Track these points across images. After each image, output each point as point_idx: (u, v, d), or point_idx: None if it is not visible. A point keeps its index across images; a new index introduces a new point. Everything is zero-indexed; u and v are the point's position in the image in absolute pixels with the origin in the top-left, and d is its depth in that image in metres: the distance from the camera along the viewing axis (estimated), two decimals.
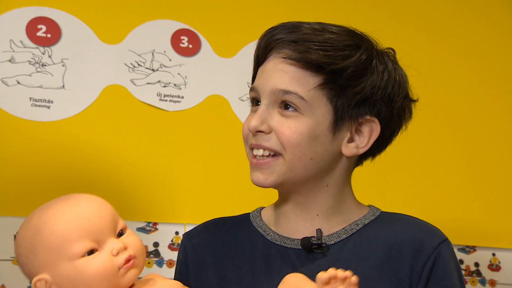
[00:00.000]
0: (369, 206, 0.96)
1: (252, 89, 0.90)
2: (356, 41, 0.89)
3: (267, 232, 0.94)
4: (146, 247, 1.29)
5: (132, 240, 0.76)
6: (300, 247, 0.89)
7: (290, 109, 0.86)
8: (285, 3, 1.57)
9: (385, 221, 0.94)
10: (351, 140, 0.88)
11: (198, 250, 0.95)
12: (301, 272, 0.83)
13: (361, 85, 0.86)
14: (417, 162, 1.62)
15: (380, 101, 0.88)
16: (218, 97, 1.40)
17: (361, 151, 0.88)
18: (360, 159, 0.94)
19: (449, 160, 1.66)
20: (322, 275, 0.68)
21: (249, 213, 0.99)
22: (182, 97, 1.36)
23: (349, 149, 0.88)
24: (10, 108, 1.29)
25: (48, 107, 1.31)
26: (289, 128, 0.85)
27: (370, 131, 0.88)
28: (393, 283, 0.86)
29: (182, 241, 0.99)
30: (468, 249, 1.61)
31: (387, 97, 0.88)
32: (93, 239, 0.70)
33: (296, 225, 0.92)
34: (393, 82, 0.89)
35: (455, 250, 1.64)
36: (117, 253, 0.71)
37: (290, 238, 0.92)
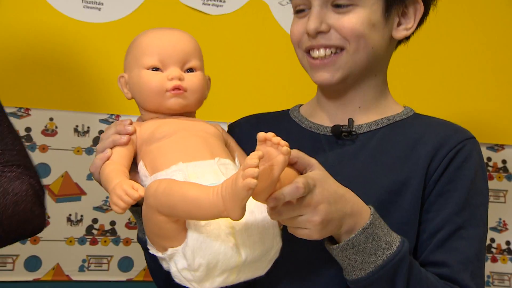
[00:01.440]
0: (404, 106, 0.98)
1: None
2: None
3: (303, 121, 0.97)
4: None
5: (193, 79, 0.84)
6: (331, 134, 0.92)
7: (343, 6, 0.87)
8: None
9: (416, 120, 0.96)
10: (399, 23, 0.91)
11: (239, 138, 0.98)
12: (328, 157, 0.89)
13: None
14: (445, 61, 1.63)
15: None
16: (259, 1, 1.41)
17: (410, 31, 0.91)
18: (396, 46, 0.97)
19: (479, 58, 1.66)
20: (260, 134, 0.70)
21: (288, 109, 1.02)
22: (224, 1, 1.38)
23: (399, 32, 0.91)
24: (64, 9, 1.34)
25: (99, 9, 1.35)
26: (349, 21, 0.87)
27: (414, 11, 0.91)
28: (412, 172, 0.89)
29: (227, 130, 1.03)
30: (496, 147, 1.66)
31: None
32: (160, 60, 0.80)
33: (332, 116, 0.95)
34: None
35: (484, 148, 1.69)
36: (171, 79, 0.79)
37: (323, 125, 0.95)
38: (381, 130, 0.94)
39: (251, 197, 0.67)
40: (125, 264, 1.40)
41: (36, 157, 1.29)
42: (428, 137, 0.92)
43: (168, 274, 0.78)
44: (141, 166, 0.80)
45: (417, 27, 0.94)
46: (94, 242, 1.38)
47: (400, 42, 0.97)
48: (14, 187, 0.93)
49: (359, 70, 0.90)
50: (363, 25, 0.87)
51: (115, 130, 0.82)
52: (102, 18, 1.35)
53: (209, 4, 1.40)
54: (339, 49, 0.87)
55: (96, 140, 1.38)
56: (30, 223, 0.96)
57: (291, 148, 0.85)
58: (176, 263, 0.73)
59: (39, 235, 1.10)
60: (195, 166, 0.77)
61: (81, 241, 1.35)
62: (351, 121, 0.93)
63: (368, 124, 0.94)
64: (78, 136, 1.36)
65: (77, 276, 1.36)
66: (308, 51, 0.89)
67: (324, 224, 0.73)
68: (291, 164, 0.74)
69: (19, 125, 1.28)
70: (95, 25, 1.35)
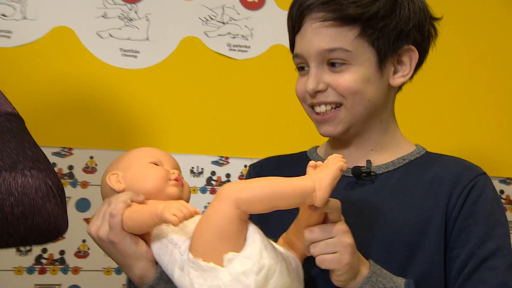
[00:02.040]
0: (416, 145, 1.01)
1: (296, 56, 0.93)
2: None
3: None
4: (219, 177, 1.50)
5: (185, 182, 0.91)
6: (351, 175, 0.95)
7: (338, 65, 0.89)
8: None
9: (429, 159, 0.98)
10: (395, 71, 0.93)
11: (260, 176, 0.97)
12: (350, 196, 0.91)
13: (394, 21, 0.89)
14: (453, 97, 1.67)
15: (413, 30, 0.92)
16: (281, 46, 1.49)
17: (407, 78, 0.93)
18: (397, 91, 0.99)
19: (488, 92, 1.70)
20: (311, 162, 0.76)
21: (306, 151, 1.07)
22: (249, 47, 1.47)
23: (396, 80, 0.92)
24: (104, 57, 1.42)
25: (136, 57, 1.43)
26: (344, 80, 0.88)
27: (410, 58, 0.93)
28: (432, 211, 0.90)
29: (248, 170, 1.09)
30: (508, 181, 1.68)
31: (417, 24, 0.92)
32: (159, 161, 0.87)
33: (349, 159, 0.94)
34: (418, 10, 0.92)
35: (496, 181, 1.71)
36: (173, 173, 0.85)
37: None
38: (398, 170, 0.96)
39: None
40: None
41: (78, 193, 1.37)
42: (443, 176, 0.94)
43: None
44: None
45: (416, 70, 0.97)
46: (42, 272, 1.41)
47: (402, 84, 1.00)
48: (25, 182, 0.90)
49: (360, 121, 0.93)
50: (357, 82, 0.89)
51: (126, 197, 0.85)
52: (139, 64, 1.43)
53: (235, 50, 1.48)
54: (338, 104, 0.90)
55: None
56: (42, 219, 0.90)
57: None
58: (235, 267, 0.73)
59: None
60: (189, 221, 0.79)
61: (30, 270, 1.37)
62: (369, 162, 0.96)
63: (386, 164, 0.97)
64: None
65: None
66: (312, 106, 0.93)
67: (353, 249, 0.77)
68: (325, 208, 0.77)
69: (63, 163, 1.36)
70: (132, 71, 1.43)
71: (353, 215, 0.85)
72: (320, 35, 0.88)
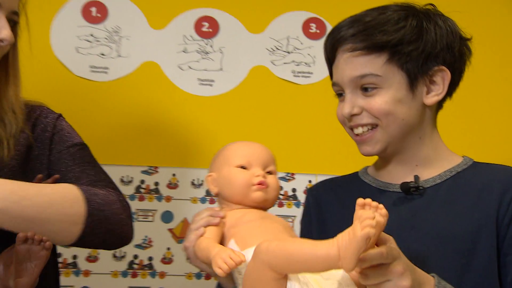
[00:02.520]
0: (463, 156, 1.01)
1: (334, 85, 0.98)
2: (401, 12, 0.94)
3: (373, 182, 1.03)
4: (286, 192, 1.58)
5: (272, 179, 0.94)
6: (400, 190, 0.96)
7: (370, 89, 0.92)
8: None
9: (477, 169, 0.98)
10: (428, 91, 0.95)
11: (318, 199, 1.09)
12: (400, 211, 0.92)
13: (421, 45, 0.92)
14: (497, 109, 1.69)
15: (441, 51, 0.93)
16: None
17: (441, 96, 0.95)
18: (439, 103, 0.99)
19: None
20: (359, 200, 0.72)
21: (357, 171, 1.10)
22: (312, 73, 1.56)
23: (430, 99, 0.95)
24: (184, 86, 1.56)
25: (211, 85, 1.56)
26: (376, 103, 0.92)
27: (442, 78, 0.94)
28: (483, 219, 0.90)
29: (307, 194, 1.14)
30: None
31: (446, 46, 0.94)
32: (247, 162, 0.91)
33: (397, 175, 1.00)
34: (445, 32, 0.94)
35: None
36: (257, 176, 0.89)
37: (391, 183, 1.00)
38: (446, 182, 0.97)
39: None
40: None
41: (162, 206, 1.52)
42: (492, 184, 0.94)
43: None
44: (232, 243, 0.86)
45: (452, 88, 0.99)
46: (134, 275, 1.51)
47: (444, 99, 1.00)
48: (107, 194, 1.01)
49: (396, 139, 0.95)
50: (389, 104, 0.91)
51: (208, 213, 0.90)
52: (214, 92, 1.56)
53: (299, 76, 1.58)
54: (374, 125, 0.93)
55: (207, 192, 1.55)
56: (118, 226, 1.01)
57: None
58: None
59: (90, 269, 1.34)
60: None
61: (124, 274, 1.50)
62: (417, 177, 0.96)
63: (433, 178, 0.97)
64: (194, 188, 1.54)
65: None
66: (351, 128, 0.96)
67: None
68: None
69: (150, 180, 1.51)
70: (208, 98, 1.56)
71: (406, 229, 0.89)
72: (351, 64, 0.93)
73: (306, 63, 1.59)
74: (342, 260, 0.68)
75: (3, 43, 0.94)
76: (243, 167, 0.92)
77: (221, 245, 0.84)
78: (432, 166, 0.99)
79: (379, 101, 0.92)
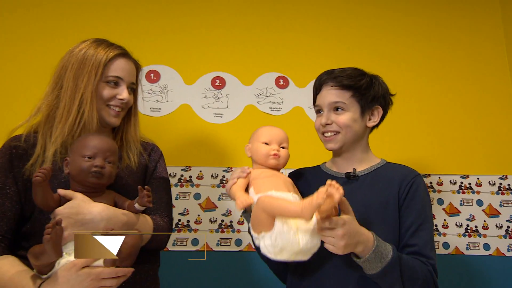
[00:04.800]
0: (381, 159, 1.22)
1: (316, 106, 1.18)
2: (363, 72, 1.18)
3: (328, 171, 1.24)
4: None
5: (283, 152, 1.10)
6: (344, 177, 1.17)
7: (339, 109, 1.13)
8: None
9: (388, 167, 1.18)
10: (370, 119, 1.17)
11: (297, 179, 1.20)
12: (345, 190, 0.95)
13: (371, 92, 1.15)
14: (399, 132, 2.08)
15: (380, 98, 1.17)
16: (299, 108, 2.04)
17: (375, 123, 1.17)
18: (372, 127, 1.21)
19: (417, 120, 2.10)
20: (328, 180, 0.88)
21: (319, 165, 1.30)
22: (281, 108, 2.01)
23: (369, 123, 1.17)
24: (205, 118, 1.99)
25: (221, 117, 2.00)
26: (342, 119, 1.13)
27: (378, 112, 1.17)
28: (390, 195, 1.10)
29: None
30: (427, 175, 2.08)
31: (383, 95, 1.18)
32: (269, 140, 1.09)
33: (342, 168, 1.20)
34: (384, 87, 1.19)
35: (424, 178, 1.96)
36: (273, 150, 1.07)
37: (339, 172, 1.21)
38: (370, 173, 1.16)
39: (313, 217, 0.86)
40: (238, 242, 1.91)
41: (194, 190, 1.89)
42: (395, 176, 1.13)
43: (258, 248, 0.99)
44: (251, 190, 1.04)
45: (382, 119, 1.19)
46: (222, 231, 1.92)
47: (373, 129, 1.21)
48: (162, 223, 1.18)
49: (348, 143, 1.15)
50: (349, 120, 1.12)
51: (240, 170, 1.08)
52: (223, 121, 2.01)
53: (273, 110, 2.04)
54: (337, 132, 1.14)
55: (221, 181, 1.94)
56: (163, 245, 1.21)
57: (323, 185, 0.98)
58: (265, 241, 0.93)
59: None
60: (280, 194, 0.98)
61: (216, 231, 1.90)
62: (354, 170, 1.16)
63: (363, 170, 1.16)
64: (212, 179, 1.93)
65: (215, 248, 1.89)
66: (322, 133, 1.17)
67: (345, 247, 0.92)
68: (340, 203, 0.92)
69: (186, 174, 1.91)
70: (219, 124, 2.01)
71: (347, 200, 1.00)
72: (330, 95, 1.14)
73: (277, 103, 2.06)
74: (302, 214, 0.86)
75: (124, 101, 1.17)
76: (266, 143, 1.09)
77: (242, 192, 1.01)
78: (363, 164, 1.19)
79: (344, 118, 1.12)
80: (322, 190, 0.83)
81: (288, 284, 1.18)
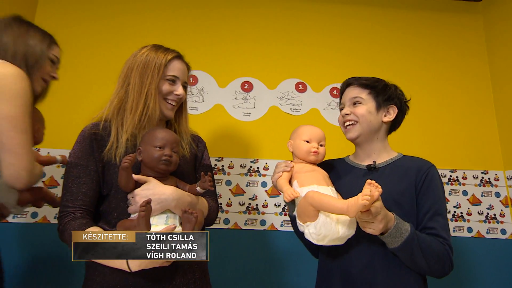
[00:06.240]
0: (398, 153, 1.24)
1: (340, 104, 1.26)
2: (381, 79, 1.24)
3: (351, 163, 1.27)
4: None
5: (322, 149, 1.12)
6: (365, 168, 1.20)
7: (357, 103, 1.19)
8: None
9: (405, 159, 1.20)
10: (385, 115, 1.21)
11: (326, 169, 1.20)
12: (365, 179, 1.01)
13: (386, 92, 1.21)
14: (413, 135, 2.26)
15: (396, 99, 1.22)
16: (275, 107, 2.24)
17: (391, 119, 1.20)
18: (390, 131, 1.25)
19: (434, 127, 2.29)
20: (368, 180, 0.92)
21: (343, 157, 1.33)
22: (300, 109, 2.19)
23: (384, 119, 1.21)
24: (236, 116, 2.15)
25: (249, 115, 2.18)
26: (359, 110, 1.19)
27: (394, 111, 1.22)
28: (407, 184, 1.12)
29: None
30: (451, 170, 2.27)
31: (397, 97, 1.23)
32: (309, 138, 1.12)
33: (363, 160, 1.24)
34: (399, 92, 1.25)
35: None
36: (313, 147, 1.10)
37: (360, 164, 1.24)
38: (389, 165, 1.18)
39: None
40: (262, 223, 2.08)
41: (225, 177, 2.08)
42: (412, 167, 1.15)
43: (302, 233, 1.05)
44: (295, 183, 1.08)
45: (400, 119, 1.22)
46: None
47: (395, 125, 1.24)
48: (214, 207, 1.26)
49: (365, 133, 1.19)
50: (365, 111, 1.18)
51: (284, 164, 1.11)
52: (251, 119, 2.19)
53: (293, 111, 2.22)
54: (356, 122, 1.19)
55: (248, 171, 2.14)
56: (213, 216, 1.25)
57: (346, 175, 1.15)
58: (309, 229, 0.99)
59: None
60: (321, 188, 1.02)
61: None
62: (374, 162, 1.18)
63: (383, 163, 1.19)
64: (241, 168, 2.11)
65: (243, 227, 2.07)
66: (344, 124, 1.23)
67: (381, 228, 0.98)
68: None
69: (219, 164, 2.09)
70: (247, 122, 2.20)
71: None
72: (351, 92, 1.21)
73: (297, 105, 2.24)
74: (348, 212, 0.90)
75: (179, 96, 1.23)
76: (307, 141, 1.11)
77: (289, 186, 1.04)
78: (382, 156, 1.21)
79: (361, 109, 1.18)
80: (366, 191, 0.89)
81: (321, 260, 1.26)
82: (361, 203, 0.87)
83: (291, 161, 1.17)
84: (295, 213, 1.07)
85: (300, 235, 1.13)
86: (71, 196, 1.12)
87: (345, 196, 1.03)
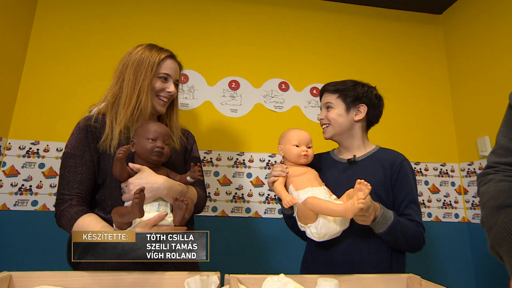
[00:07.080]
0: (376, 145, 1.29)
1: (320, 107, 1.30)
2: (351, 81, 1.29)
3: (334, 157, 1.33)
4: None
5: (310, 151, 1.15)
6: (346, 162, 1.26)
7: (329, 108, 1.25)
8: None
9: (381, 152, 1.26)
10: (356, 114, 1.25)
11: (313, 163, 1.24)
12: (346, 172, 1.13)
13: (354, 93, 1.26)
14: (390, 129, 2.40)
15: (364, 97, 1.26)
16: (260, 105, 2.40)
17: (361, 117, 1.24)
18: (368, 127, 1.30)
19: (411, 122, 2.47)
20: (358, 180, 0.94)
21: (328, 151, 1.38)
22: (282, 107, 2.33)
23: (356, 118, 1.25)
24: (223, 112, 2.27)
25: (236, 112, 2.26)
26: (330, 114, 1.24)
27: (364, 109, 1.26)
28: (382, 176, 1.17)
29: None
30: (415, 163, 2.47)
31: (367, 96, 1.26)
32: (298, 142, 1.15)
33: (344, 155, 1.29)
34: (368, 90, 1.28)
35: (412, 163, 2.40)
36: (303, 151, 1.13)
37: (342, 158, 1.30)
38: (367, 158, 1.24)
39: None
40: (247, 210, 2.19)
41: (214, 169, 2.19)
42: (387, 159, 1.20)
43: (293, 223, 1.13)
44: (291, 188, 1.11)
45: (375, 116, 1.26)
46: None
47: (371, 120, 1.28)
48: (203, 196, 1.27)
49: (338, 133, 1.26)
50: (335, 115, 1.25)
51: (280, 169, 1.13)
52: (237, 115, 2.28)
53: (276, 108, 2.32)
54: (328, 124, 1.27)
55: (235, 163, 2.25)
56: (202, 209, 1.27)
57: (329, 168, 1.19)
58: (311, 230, 1.02)
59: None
60: (315, 189, 1.06)
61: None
62: (354, 156, 1.24)
63: (361, 156, 1.25)
64: (228, 160, 2.22)
65: (230, 214, 2.23)
66: (322, 126, 1.29)
67: (372, 219, 1.05)
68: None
69: (208, 156, 2.21)
70: (234, 118, 2.28)
71: (350, 182, 1.07)
72: (325, 97, 1.28)
73: (280, 102, 2.35)
74: (345, 215, 0.94)
75: (171, 93, 1.24)
76: (296, 145, 1.14)
77: (286, 192, 1.06)
78: (361, 150, 1.26)
79: (332, 113, 1.24)
80: (360, 195, 0.93)
81: (308, 243, 1.32)
82: (357, 206, 0.92)
83: (281, 162, 1.24)
84: (294, 214, 1.12)
85: (297, 231, 1.22)
86: (67, 184, 1.14)
87: (331, 189, 1.12)
